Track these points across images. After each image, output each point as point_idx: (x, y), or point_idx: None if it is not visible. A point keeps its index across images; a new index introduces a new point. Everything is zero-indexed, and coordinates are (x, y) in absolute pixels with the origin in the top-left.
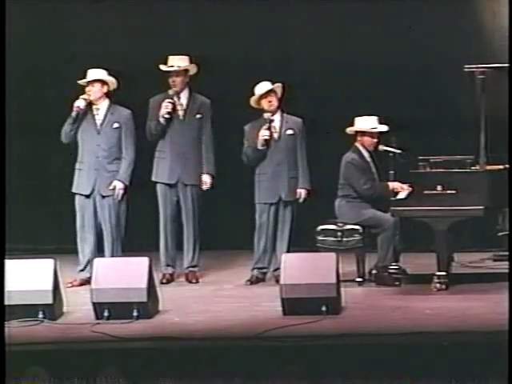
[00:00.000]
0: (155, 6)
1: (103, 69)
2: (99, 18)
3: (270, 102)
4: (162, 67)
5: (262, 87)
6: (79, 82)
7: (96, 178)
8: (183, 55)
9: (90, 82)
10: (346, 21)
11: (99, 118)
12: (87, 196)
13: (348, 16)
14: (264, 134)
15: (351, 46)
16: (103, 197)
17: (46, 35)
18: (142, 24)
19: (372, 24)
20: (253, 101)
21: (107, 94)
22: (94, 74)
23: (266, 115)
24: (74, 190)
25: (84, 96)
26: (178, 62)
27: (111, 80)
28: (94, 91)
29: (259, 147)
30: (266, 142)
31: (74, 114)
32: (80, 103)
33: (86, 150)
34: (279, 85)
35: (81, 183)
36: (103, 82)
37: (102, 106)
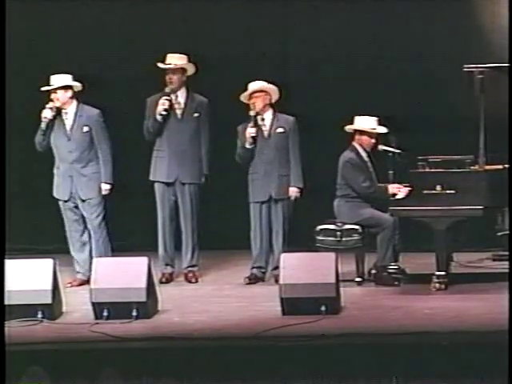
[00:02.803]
0: (155, 6)
1: (68, 73)
2: (98, 18)
3: (254, 102)
4: (160, 65)
5: (253, 85)
6: (42, 89)
7: (72, 184)
8: (182, 54)
9: (53, 89)
10: (345, 21)
11: (68, 123)
12: (66, 201)
13: (347, 16)
14: (250, 131)
15: (351, 45)
16: (83, 200)
17: (46, 35)
18: (141, 23)
19: (372, 24)
20: (243, 97)
21: (76, 97)
22: (56, 80)
23: (252, 113)
24: (54, 195)
25: (49, 105)
26: (175, 60)
27: (75, 85)
28: (58, 97)
29: (247, 146)
30: (254, 140)
31: (43, 124)
32: (47, 113)
33: (59, 157)
34: (272, 87)
35: (59, 189)
36: (67, 87)
37: (70, 109)
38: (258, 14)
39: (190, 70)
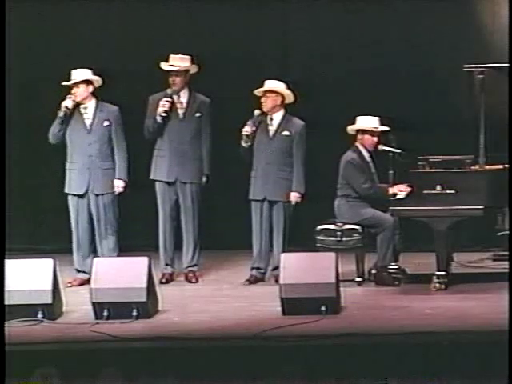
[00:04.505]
0: (155, 6)
1: (88, 68)
2: (98, 17)
3: (265, 100)
4: (163, 66)
5: (267, 84)
6: (64, 83)
7: (89, 178)
8: (185, 55)
9: (75, 83)
10: (346, 21)
11: (88, 117)
12: (81, 196)
13: (348, 16)
14: (245, 130)
15: (351, 46)
16: (97, 195)
17: (46, 35)
18: (142, 23)
19: (372, 24)
20: (257, 92)
21: (93, 93)
22: (78, 74)
23: (256, 112)
24: (67, 191)
25: (71, 95)
26: (179, 61)
27: (96, 79)
28: (79, 92)
29: (243, 144)
30: (249, 139)
31: (61, 114)
32: (68, 103)
33: (76, 150)
34: (285, 90)
35: (74, 183)
36: (88, 82)
37: (90, 104)
38: (260, 14)
39: (193, 70)
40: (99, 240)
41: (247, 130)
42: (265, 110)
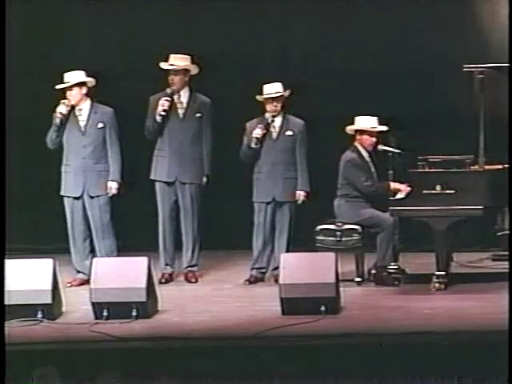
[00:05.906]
0: (155, 6)
1: (81, 69)
2: (99, 17)
3: (275, 106)
4: (163, 65)
5: (272, 89)
6: (57, 87)
7: (85, 180)
8: (185, 54)
9: (68, 86)
10: (346, 20)
11: (83, 119)
12: (77, 198)
13: (348, 16)
14: (257, 132)
15: (351, 45)
16: (92, 197)
17: (46, 35)
18: (142, 23)
19: (372, 24)
20: (260, 97)
21: (87, 94)
22: (71, 77)
23: (268, 115)
24: (62, 193)
25: (64, 101)
26: (178, 60)
27: (90, 80)
28: (73, 95)
29: (252, 146)
30: (259, 141)
31: (57, 121)
32: (62, 109)
33: (71, 152)
34: (286, 92)
35: (69, 186)
36: (82, 84)
37: (84, 106)
38: (260, 14)
39: (194, 70)
40: (97, 241)
41: (258, 132)
42: (275, 113)
